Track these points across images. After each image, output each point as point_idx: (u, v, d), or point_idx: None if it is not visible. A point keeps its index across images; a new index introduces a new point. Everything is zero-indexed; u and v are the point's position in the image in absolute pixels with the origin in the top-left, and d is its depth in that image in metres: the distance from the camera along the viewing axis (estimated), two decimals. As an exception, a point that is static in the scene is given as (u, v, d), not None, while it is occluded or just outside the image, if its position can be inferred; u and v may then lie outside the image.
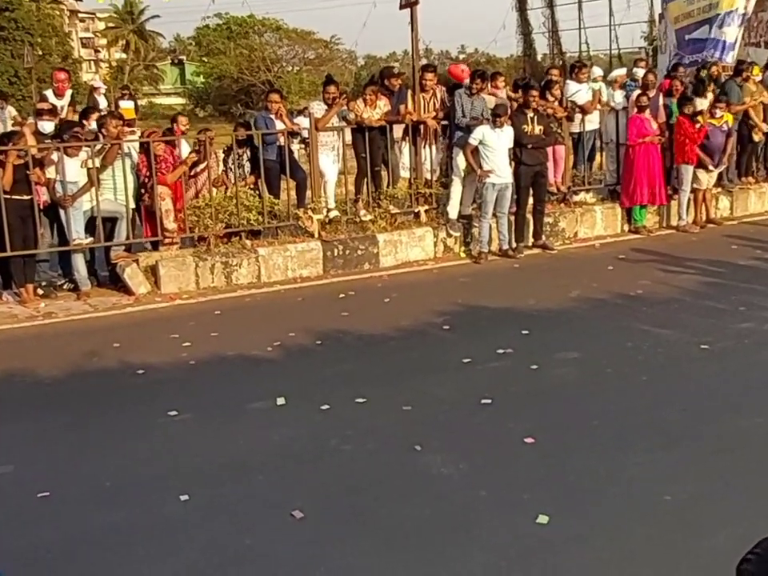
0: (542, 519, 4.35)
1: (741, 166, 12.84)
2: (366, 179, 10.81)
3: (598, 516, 4.46)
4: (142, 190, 9.82)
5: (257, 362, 7.12)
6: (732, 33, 14.20)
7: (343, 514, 4.57)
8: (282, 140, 10.41)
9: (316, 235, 10.31)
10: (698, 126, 11.27)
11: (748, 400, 5.93)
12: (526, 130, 10.47)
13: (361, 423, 5.76)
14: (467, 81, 11.12)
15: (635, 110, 11.49)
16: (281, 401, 6.14)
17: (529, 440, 5.36)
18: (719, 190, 12.48)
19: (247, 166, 10.44)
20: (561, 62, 27.94)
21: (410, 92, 10.93)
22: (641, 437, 5.37)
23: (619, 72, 13.26)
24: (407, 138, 10.94)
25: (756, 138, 12.65)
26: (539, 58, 30.47)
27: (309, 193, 10.61)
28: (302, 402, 6.14)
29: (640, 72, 13.30)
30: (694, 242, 11.10)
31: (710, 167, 11.65)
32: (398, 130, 11.01)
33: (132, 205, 9.68)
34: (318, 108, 10.59)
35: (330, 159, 10.66)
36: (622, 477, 4.88)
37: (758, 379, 6.32)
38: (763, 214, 12.81)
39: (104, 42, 71.24)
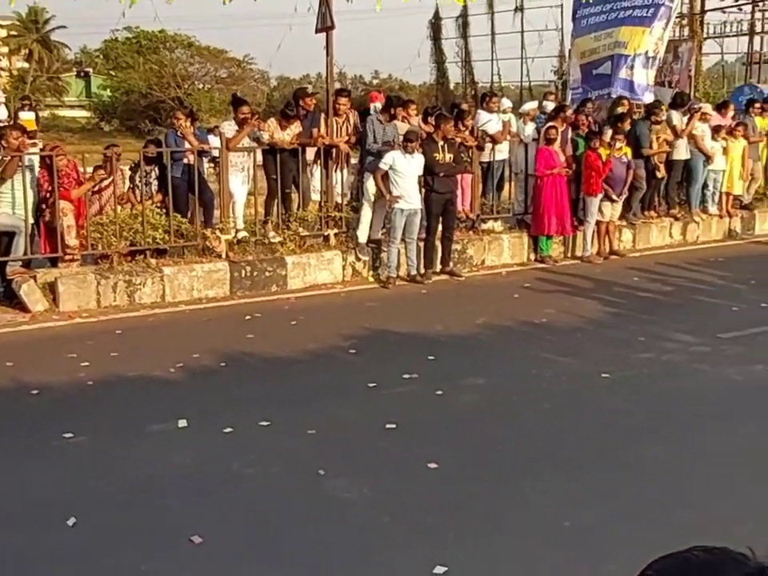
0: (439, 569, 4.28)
1: (644, 201, 13.22)
2: (276, 201, 10.73)
3: (501, 541, 4.47)
4: (42, 205, 9.50)
5: (158, 384, 6.94)
6: (642, 74, 14.61)
7: (244, 538, 4.46)
8: (190, 158, 10.25)
9: (223, 256, 10.15)
10: (603, 158, 11.57)
11: (647, 429, 6.05)
12: (437, 159, 10.57)
13: (264, 447, 5.66)
14: (377, 105, 11.21)
15: (544, 142, 11.74)
16: (182, 423, 5.99)
17: (432, 465, 5.35)
18: (623, 222, 12.82)
19: (155, 184, 10.25)
20: (473, 92, 28.49)
21: (323, 115, 10.93)
22: (544, 464, 5.42)
23: (531, 105, 13.54)
24: (319, 161, 10.92)
25: (659, 174, 13.05)
26: (452, 86, 31.00)
27: (217, 213, 10.46)
28: (204, 425, 6.00)
29: (550, 105, 13.60)
30: (598, 273, 11.35)
31: (614, 197, 11.98)
32: (309, 153, 10.98)
33: (31, 219, 9.36)
34: (228, 128, 10.48)
35: (240, 180, 10.54)
36: (524, 503, 4.91)
37: (657, 409, 6.46)
38: (664, 247, 13.21)
39: (5, 50, 69.05)
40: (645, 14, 14.43)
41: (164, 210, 10.09)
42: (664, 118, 12.99)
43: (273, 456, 5.51)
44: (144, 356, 7.64)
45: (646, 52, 14.50)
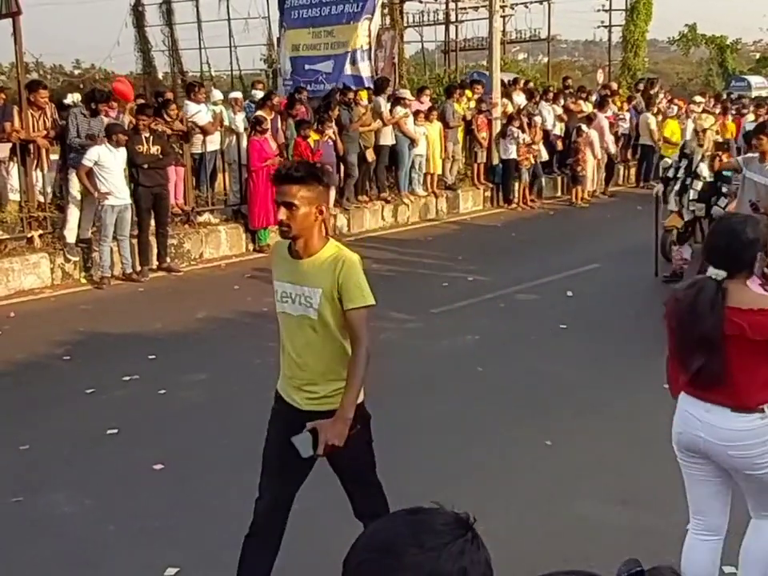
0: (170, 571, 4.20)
1: (357, 186, 13.61)
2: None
3: (228, 537, 4.43)
4: None
5: None
6: (365, 67, 15.04)
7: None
8: None
9: None
10: (313, 146, 11.75)
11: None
12: (141, 150, 10.25)
13: (-31, 470, 5.26)
14: (76, 97, 10.68)
15: (258, 134, 11.60)
16: None
17: (158, 466, 5.25)
18: (337, 208, 13.12)
19: None
20: (182, 81, 27.76)
21: (15, 108, 10.21)
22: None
23: (236, 94, 13.47)
24: (15, 158, 10.20)
25: (369, 158, 13.48)
26: (160, 75, 30.03)
27: None
28: None
29: (258, 94, 13.61)
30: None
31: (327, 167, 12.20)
32: (3, 150, 10.22)
33: None
34: None
35: None
36: (252, 493, 4.90)
37: (375, 385, 6.67)
38: (377, 230, 13.68)
39: None
40: (355, 10, 14.82)
41: None
42: (366, 103, 13.45)
43: (-21, 478, 5.13)
44: None
45: (362, 46, 14.94)
